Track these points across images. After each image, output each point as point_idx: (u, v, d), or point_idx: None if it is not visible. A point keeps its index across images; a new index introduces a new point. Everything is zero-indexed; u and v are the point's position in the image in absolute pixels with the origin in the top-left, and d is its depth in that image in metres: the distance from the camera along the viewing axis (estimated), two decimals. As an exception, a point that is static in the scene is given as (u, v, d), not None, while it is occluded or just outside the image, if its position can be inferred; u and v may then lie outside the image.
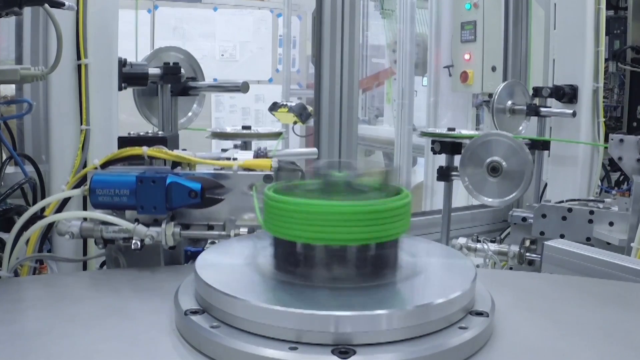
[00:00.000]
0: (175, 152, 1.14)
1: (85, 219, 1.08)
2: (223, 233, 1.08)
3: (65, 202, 1.15)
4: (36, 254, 1.14)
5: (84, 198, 1.13)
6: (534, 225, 2.07)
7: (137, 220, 1.05)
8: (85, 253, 1.66)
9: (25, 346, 0.74)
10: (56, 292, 0.98)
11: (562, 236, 2.00)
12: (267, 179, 1.07)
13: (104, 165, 1.10)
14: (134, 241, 1.04)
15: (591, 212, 2.00)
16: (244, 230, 1.06)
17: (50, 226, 1.13)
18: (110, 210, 1.07)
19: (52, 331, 0.79)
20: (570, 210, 2.03)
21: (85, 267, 1.66)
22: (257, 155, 1.25)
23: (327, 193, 0.82)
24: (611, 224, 1.97)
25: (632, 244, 1.65)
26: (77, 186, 1.13)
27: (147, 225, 1.05)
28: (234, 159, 1.12)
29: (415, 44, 3.84)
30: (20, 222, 1.10)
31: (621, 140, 1.87)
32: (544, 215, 2.05)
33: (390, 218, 0.77)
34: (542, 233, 2.05)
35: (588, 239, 1.96)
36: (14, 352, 0.73)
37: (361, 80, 4.71)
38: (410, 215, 0.82)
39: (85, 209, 1.18)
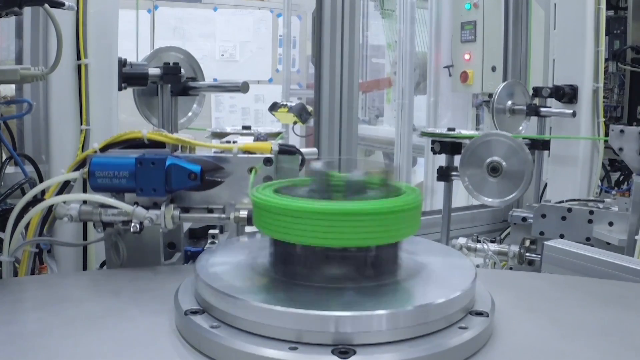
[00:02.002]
0: (175, 135, 1.13)
1: (84, 202, 1.07)
2: (223, 216, 1.07)
3: (64, 186, 1.15)
4: (37, 237, 1.14)
5: (84, 182, 1.13)
6: (533, 225, 2.07)
7: (136, 203, 1.05)
8: (84, 233, 1.65)
9: (25, 346, 0.74)
10: (56, 293, 0.98)
11: (561, 236, 2.00)
12: (267, 162, 1.07)
13: (104, 149, 1.10)
14: (132, 224, 1.03)
15: (591, 212, 2.01)
16: (243, 213, 1.05)
17: (50, 210, 1.12)
18: (109, 194, 1.06)
19: (52, 331, 0.79)
20: (570, 210, 2.03)
21: (85, 267, 1.66)
22: (257, 139, 1.24)
23: (328, 193, 0.82)
24: (611, 224, 1.97)
25: (636, 237, 1.64)
26: (76, 170, 1.13)
27: (147, 208, 1.04)
28: (234, 142, 1.12)
29: (414, 66, 3.83)
30: (20, 204, 1.09)
31: (622, 131, 1.88)
32: (543, 215, 2.05)
33: (397, 221, 0.76)
34: (541, 233, 2.06)
35: (588, 239, 1.97)
36: (14, 352, 0.73)
37: (361, 83, 4.71)
38: (420, 217, 0.81)
39: (84, 192, 1.17)
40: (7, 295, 0.96)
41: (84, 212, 1.06)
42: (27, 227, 1.12)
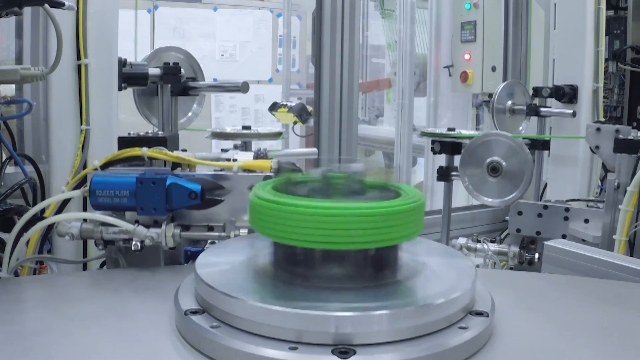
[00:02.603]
0: (176, 153, 1.14)
1: (85, 220, 1.08)
2: (223, 234, 1.08)
3: (65, 203, 1.15)
4: (36, 255, 1.14)
5: (84, 199, 1.13)
6: (510, 222, 2.13)
7: (137, 222, 1.05)
8: (85, 254, 1.66)
9: (25, 346, 0.74)
10: (56, 292, 0.98)
11: (538, 233, 2.07)
12: (267, 179, 1.07)
13: (104, 167, 1.10)
14: (134, 242, 1.04)
15: (567, 210, 2.06)
16: (244, 231, 1.06)
17: (50, 227, 1.13)
18: (110, 212, 1.07)
19: (52, 331, 0.79)
20: (546, 207, 2.08)
21: (85, 267, 1.66)
22: (257, 156, 1.25)
23: (327, 193, 0.82)
24: (586, 221, 2.00)
25: (614, 237, 1.66)
26: (77, 187, 1.13)
27: (147, 226, 1.05)
28: (234, 160, 1.12)
29: (414, 67, 3.83)
30: (20, 223, 1.10)
31: (598, 129, 1.90)
32: (520, 213, 2.08)
33: (398, 222, 0.75)
34: (518, 230, 2.10)
35: (564, 236, 1.99)
36: (14, 351, 0.73)
37: (361, 83, 4.71)
38: (423, 218, 0.80)
39: (85, 210, 1.18)
40: (7, 294, 0.96)
41: (85, 230, 1.07)
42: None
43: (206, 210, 1.08)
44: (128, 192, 1.04)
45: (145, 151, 1.10)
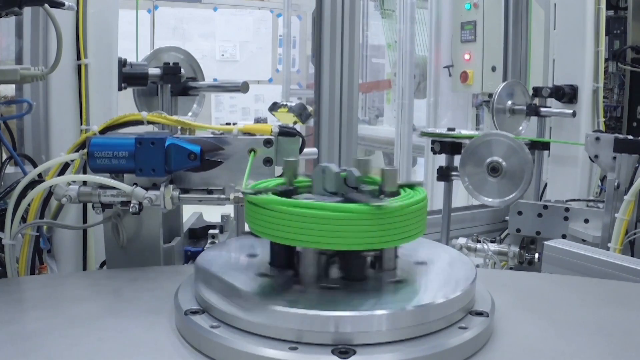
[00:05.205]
0: (175, 117, 1.14)
1: (83, 183, 1.07)
2: (222, 197, 1.07)
3: (65, 168, 1.14)
4: (37, 220, 1.14)
5: (83, 167, 1.13)
6: (510, 222, 2.14)
7: (135, 184, 1.04)
8: (84, 233, 1.65)
9: (25, 346, 0.74)
10: (56, 292, 0.98)
11: (538, 233, 2.08)
12: (267, 143, 1.07)
13: (103, 132, 1.10)
14: (132, 204, 1.03)
15: (566, 210, 2.07)
16: None
17: (50, 194, 1.12)
18: (109, 175, 1.06)
19: (52, 331, 0.79)
20: (546, 207, 2.10)
21: (85, 267, 1.66)
22: (258, 122, 1.24)
23: (328, 194, 0.82)
24: (586, 221, 2.01)
25: (609, 244, 1.66)
26: (76, 152, 1.12)
27: (146, 189, 1.04)
28: (234, 124, 1.12)
29: (415, 67, 3.83)
30: (20, 186, 1.09)
31: (597, 139, 1.89)
32: (520, 213, 2.09)
33: (401, 223, 0.75)
34: (518, 230, 2.11)
35: (564, 236, 1.99)
36: (14, 352, 0.73)
37: (361, 84, 4.71)
38: (425, 218, 0.80)
39: (84, 174, 1.17)
40: (7, 295, 0.96)
41: (83, 193, 1.06)
42: (27, 219, 1.12)
43: (205, 173, 1.07)
44: (127, 153, 1.03)
45: (144, 115, 1.10)
